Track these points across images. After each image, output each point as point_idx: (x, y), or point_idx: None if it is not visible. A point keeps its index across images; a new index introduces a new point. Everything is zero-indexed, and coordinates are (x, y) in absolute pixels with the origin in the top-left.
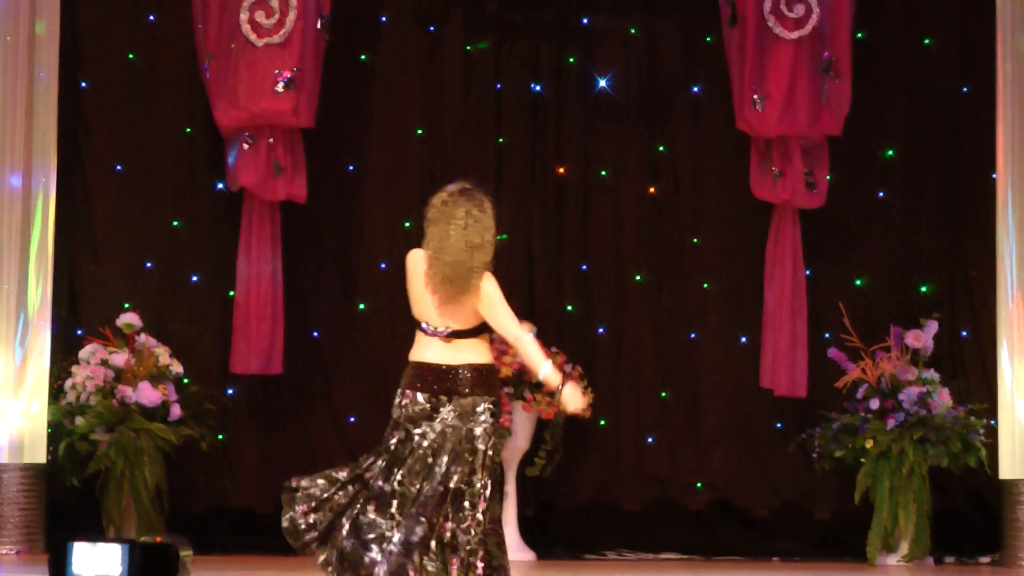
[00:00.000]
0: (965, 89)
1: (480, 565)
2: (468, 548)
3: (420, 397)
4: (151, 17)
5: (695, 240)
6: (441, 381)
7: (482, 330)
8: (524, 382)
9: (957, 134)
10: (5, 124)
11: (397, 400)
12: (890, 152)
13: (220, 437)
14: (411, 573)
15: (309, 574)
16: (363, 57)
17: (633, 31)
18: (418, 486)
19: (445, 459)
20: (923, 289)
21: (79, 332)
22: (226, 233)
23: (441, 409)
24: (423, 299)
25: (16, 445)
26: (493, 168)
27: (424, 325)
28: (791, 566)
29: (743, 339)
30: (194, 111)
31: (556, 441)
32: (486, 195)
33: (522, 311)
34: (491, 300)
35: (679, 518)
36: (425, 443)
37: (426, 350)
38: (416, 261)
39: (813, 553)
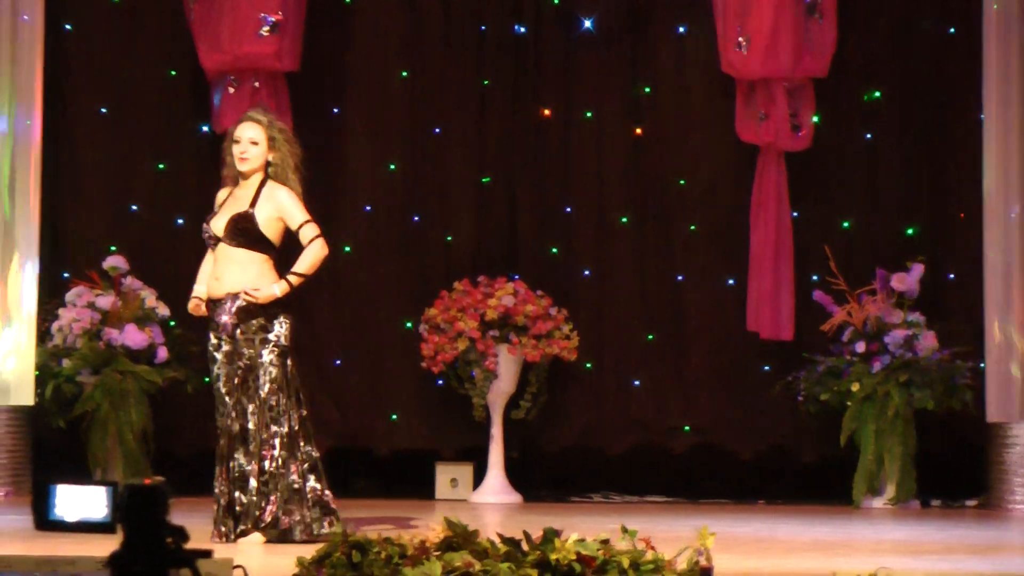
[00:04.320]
0: (952, 30)
1: None
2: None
3: None
4: None
5: (681, 182)
6: None
7: None
8: (510, 325)
9: (943, 75)
10: None
11: (288, 327)
12: (876, 94)
13: (206, 380)
14: None
15: None
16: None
17: None
18: None
19: None
20: (909, 231)
21: (65, 275)
22: (211, 176)
23: None
24: None
25: (3, 387)
26: (476, 110)
27: None
28: (777, 509)
29: (730, 281)
30: (178, 54)
31: (540, 384)
32: None
33: (505, 253)
34: None
35: (664, 461)
36: None
37: None
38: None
39: (798, 496)
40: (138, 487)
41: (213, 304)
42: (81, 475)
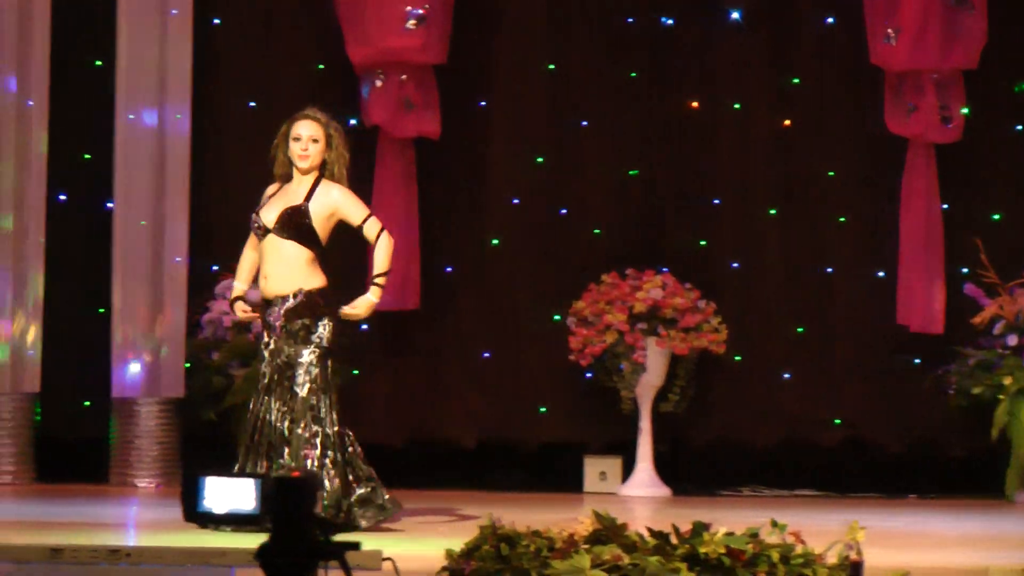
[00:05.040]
0: None
1: None
2: None
3: None
4: None
5: (830, 173)
6: None
7: None
8: (658, 318)
9: None
10: (139, 62)
11: (331, 329)
12: None
13: (355, 372)
14: None
15: (428, 503)
16: None
17: None
18: None
19: None
20: None
21: (214, 268)
22: (361, 169)
23: None
24: None
25: (154, 379)
26: (623, 102)
27: None
28: (927, 503)
29: (879, 274)
30: (326, 47)
31: (689, 377)
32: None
33: (652, 246)
34: None
35: (813, 455)
36: None
37: None
38: None
39: (949, 490)
40: (286, 479)
41: (265, 303)
42: (230, 467)
